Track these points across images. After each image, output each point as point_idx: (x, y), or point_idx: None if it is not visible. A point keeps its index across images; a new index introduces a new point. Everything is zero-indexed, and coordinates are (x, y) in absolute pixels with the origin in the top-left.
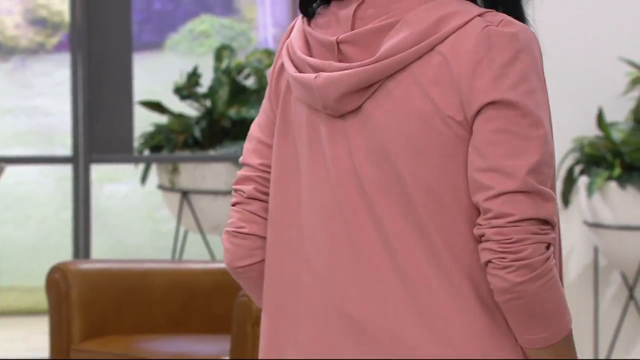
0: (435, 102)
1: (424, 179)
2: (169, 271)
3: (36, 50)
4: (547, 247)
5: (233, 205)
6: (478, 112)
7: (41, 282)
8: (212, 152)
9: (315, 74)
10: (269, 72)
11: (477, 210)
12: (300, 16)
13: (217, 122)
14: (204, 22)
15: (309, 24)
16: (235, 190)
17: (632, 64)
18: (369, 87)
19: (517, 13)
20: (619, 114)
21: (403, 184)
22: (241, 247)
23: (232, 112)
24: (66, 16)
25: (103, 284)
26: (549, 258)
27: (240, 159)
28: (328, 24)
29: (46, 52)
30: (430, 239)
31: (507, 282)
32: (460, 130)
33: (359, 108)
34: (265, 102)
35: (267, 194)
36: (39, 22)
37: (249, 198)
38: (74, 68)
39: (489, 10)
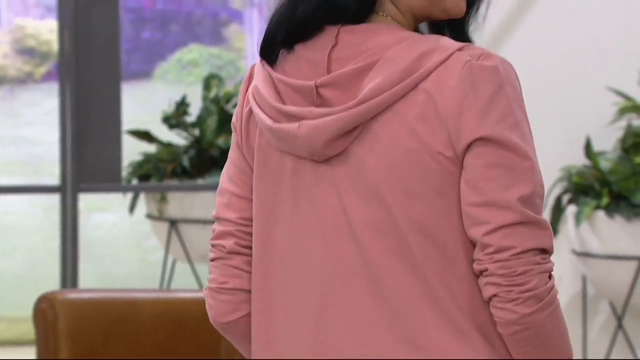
0: (423, 139)
1: (416, 216)
2: (157, 300)
3: (24, 79)
4: (549, 276)
5: (212, 260)
6: (467, 147)
7: (28, 312)
8: (200, 181)
9: (297, 123)
10: (232, 121)
11: (472, 245)
12: (259, 61)
13: (205, 151)
14: (192, 51)
15: (274, 70)
16: (214, 246)
17: (619, 93)
18: (354, 130)
19: (463, 37)
20: (606, 143)
21: (394, 223)
22: (226, 303)
23: (221, 141)
24: (54, 45)
25: (91, 313)
26: (552, 287)
27: (214, 214)
28: (298, 68)
29: (34, 81)
30: (424, 276)
31: (515, 314)
32: (451, 166)
33: (344, 150)
34: (233, 152)
35: (248, 247)
36: (28, 52)
37: (230, 253)
38: (62, 97)
39: (466, 44)
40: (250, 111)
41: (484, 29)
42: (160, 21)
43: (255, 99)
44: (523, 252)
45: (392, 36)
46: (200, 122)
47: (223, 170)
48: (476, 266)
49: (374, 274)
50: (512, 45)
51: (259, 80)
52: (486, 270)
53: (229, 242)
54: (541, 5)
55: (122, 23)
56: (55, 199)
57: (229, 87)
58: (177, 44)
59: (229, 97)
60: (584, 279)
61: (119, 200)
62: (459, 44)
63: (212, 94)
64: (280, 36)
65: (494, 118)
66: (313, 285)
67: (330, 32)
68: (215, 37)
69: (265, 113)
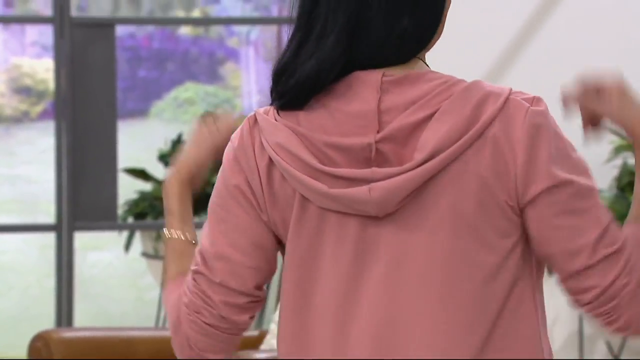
0: (491, 189)
1: (478, 259)
2: (153, 339)
3: (20, 118)
4: (624, 263)
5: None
6: (535, 197)
7: (23, 351)
8: (196, 219)
9: (366, 187)
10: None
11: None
12: (268, 113)
13: (201, 189)
14: (188, 90)
15: (299, 124)
16: (225, 318)
17: (614, 131)
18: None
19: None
20: (602, 181)
21: (456, 265)
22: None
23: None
24: (51, 84)
25: (86, 352)
26: (622, 240)
27: (218, 280)
28: (335, 123)
29: (30, 120)
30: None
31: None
32: (514, 216)
33: (412, 202)
34: (240, 218)
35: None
36: (24, 91)
37: (242, 329)
38: (58, 136)
39: (509, 87)
40: (270, 171)
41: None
42: (156, 60)
43: (285, 160)
44: (613, 282)
45: (434, 82)
46: None
47: (216, 232)
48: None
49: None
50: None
51: (281, 138)
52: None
53: (244, 318)
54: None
55: (119, 61)
56: (50, 238)
57: None
58: (173, 82)
59: None
60: (581, 318)
61: (114, 239)
62: (504, 88)
63: None
64: (309, 85)
65: (560, 165)
66: (375, 336)
67: (366, 80)
68: (212, 75)
69: (308, 176)
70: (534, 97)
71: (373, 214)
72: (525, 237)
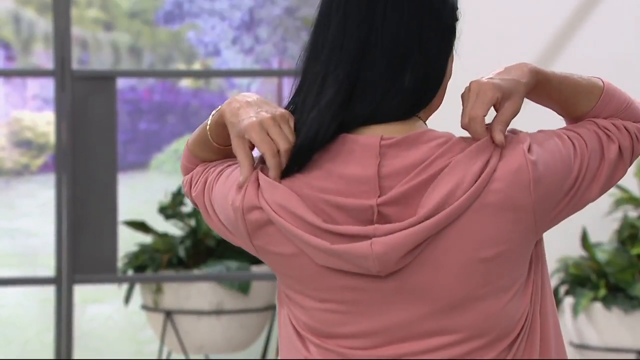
0: (505, 236)
1: (493, 312)
2: None
3: (21, 171)
4: None
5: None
6: (556, 215)
7: None
8: (196, 272)
9: (368, 242)
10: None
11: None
12: (260, 177)
13: (201, 242)
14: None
15: (298, 185)
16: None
17: (615, 185)
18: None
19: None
20: (603, 234)
21: (465, 315)
22: None
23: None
24: (51, 137)
25: None
26: None
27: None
28: (336, 186)
29: (31, 173)
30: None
31: None
32: (532, 247)
33: (415, 259)
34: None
35: None
36: (25, 144)
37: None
38: (59, 188)
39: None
40: (265, 225)
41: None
42: (157, 112)
43: (285, 219)
44: None
45: (433, 143)
46: (196, 212)
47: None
48: None
49: None
50: None
51: (280, 197)
52: None
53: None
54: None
55: (120, 114)
56: (50, 291)
57: None
58: (174, 135)
59: None
60: None
61: (114, 292)
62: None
63: None
64: (307, 148)
65: (569, 184)
66: None
67: (364, 144)
68: None
69: (310, 234)
70: (524, 137)
71: (375, 272)
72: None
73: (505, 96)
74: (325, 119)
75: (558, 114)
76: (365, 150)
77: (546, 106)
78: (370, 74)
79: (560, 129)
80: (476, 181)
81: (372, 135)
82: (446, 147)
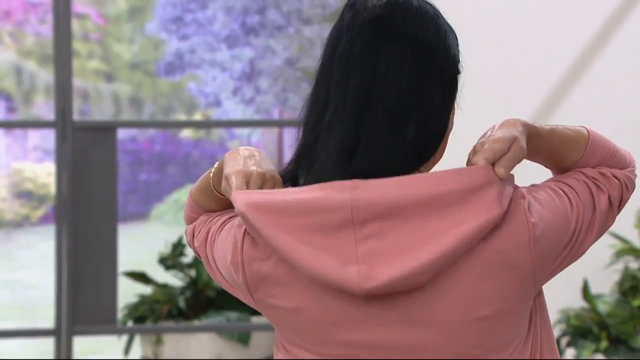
0: (500, 291)
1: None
2: None
3: (21, 222)
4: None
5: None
6: (555, 268)
7: None
8: (196, 323)
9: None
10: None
11: None
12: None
13: (201, 292)
14: (189, 193)
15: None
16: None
17: (616, 236)
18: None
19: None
20: (604, 286)
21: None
22: None
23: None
24: (52, 188)
25: None
26: None
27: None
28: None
29: (31, 224)
30: None
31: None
32: (532, 301)
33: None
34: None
35: None
36: (25, 195)
37: None
38: (59, 240)
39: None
40: (265, 278)
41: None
42: (157, 163)
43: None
44: None
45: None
46: (196, 263)
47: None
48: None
49: None
50: None
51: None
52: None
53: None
54: None
55: (120, 164)
56: (50, 343)
57: None
58: (174, 185)
59: None
60: None
61: (114, 343)
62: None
63: None
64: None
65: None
66: None
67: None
68: None
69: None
70: (523, 194)
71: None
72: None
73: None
74: (328, 174)
75: (546, 166)
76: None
77: (534, 160)
78: (372, 130)
79: (552, 181)
80: (474, 235)
81: None
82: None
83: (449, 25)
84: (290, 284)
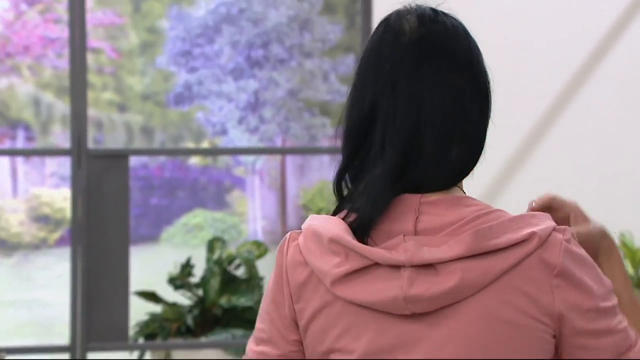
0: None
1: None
2: None
3: (38, 245)
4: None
5: None
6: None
7: None
8: (203, 339)
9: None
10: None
11: None
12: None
13: (208, 311)
14: (197, 216)
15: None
16: None
17: None
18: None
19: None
20: None
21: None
22: None
23: (223, 300)
24: (68, 212)
25: None
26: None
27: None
28: (379, 239)
29: (48, 246)
30: None
31: None
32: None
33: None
34: (275, 340)
35: None
36: (42, 219)
37: None
38: (74, 261)
39: (551, 225)
40: (305, 283)
41: None
42: (167, 188)
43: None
44: None
45: (474, 207)
46: (204, 282)
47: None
48: None
49: None
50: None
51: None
52: None
53: None
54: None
55: (132, 190)
56: (65, 358)
57: (231, 249)
58: (183, 209)
59: (231, 259)
60: None
61: (126, 359)
62: (547, 225)
63: (216, 255)
64: (367, 226)
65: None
66: None
67: (407, 202)
68: (219, 202)
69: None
70: (564, 230)
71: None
72: None
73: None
74: (384, 190)
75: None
76: (407, 208)
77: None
78: (421, 149)
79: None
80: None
81: (414, 195)
82: (482, 213)
83: (474, 39)
84: None
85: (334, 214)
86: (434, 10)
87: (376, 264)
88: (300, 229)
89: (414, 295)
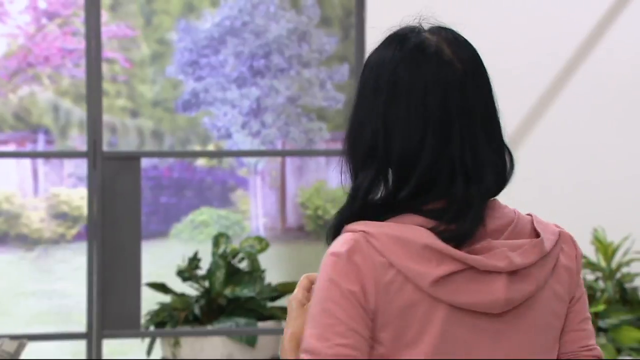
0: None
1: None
2: None
3: (57, 240)
4: None
5: None
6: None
7: None
8: (209, 327)
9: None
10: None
11: None
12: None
13: (214, 301)
14: (203, 214)
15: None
16: None
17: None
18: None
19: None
20: None
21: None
22: None
23: (228, 291)
24: (84, 210)
25: None
26: None
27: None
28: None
29: (66, 241)
30: None
31: None
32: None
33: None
34: (357, 344)
35: None
36: (61, 216)
37: None
38: (90, 255)
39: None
40: (392, 283)
41: None
42: (176, 187)
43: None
44: None
45: (506, 209)
46: (209, 275)
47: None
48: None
49: None
50: None
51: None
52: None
53: None
54: None
55: (143, 189)
56: (82, 345)
57: (235, 244)
58: (190, 207)
59: (235, 253)
60: None
61: (137, 345)
62: (554, 227)
63: (221, 250)
64: (475, 229)
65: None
66: None
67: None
68: (224, 200)
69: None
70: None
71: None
72: None
73: None
74: (480, 205)
75: None
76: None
77: None
78: (484, 159)
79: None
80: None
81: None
82: (517, 214)
83: None
84: None
85: (359, 214)
86: (451, 31)
87: (470, 268)
88: (342, 232)
89: (511, 298)
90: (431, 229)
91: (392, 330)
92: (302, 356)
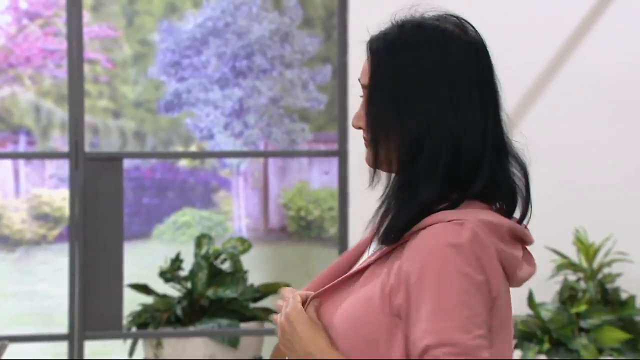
0: None
1: None
2: None
3: (39, 241)
4: None
5: None
6: None
7: None
8: (191, 328)
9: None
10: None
11: None
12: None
13: (196, 302)
14: (186, 214)
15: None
16: None
17: (556, 252)
18: None
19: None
20: (546, 295)
21: None
22: None
23: (210, 292)
24: (66, 211)
25: None
26: None
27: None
28: None
29: (48, 242)
30: None
31: None
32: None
33: None
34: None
35: None
36: (42, 217)
37: None
38: (72, 256)
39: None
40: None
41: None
42: (158, 188)
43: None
44: None
45: None
46: (192, 276)
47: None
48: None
49: None
50: None
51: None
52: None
53: None
54: None
55: (125, 190)
56: (63, 346)
57: (217, 245)
58: (172, 208)
59: (217, 254)
60: None
61: (120, 346)
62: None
63: (203, 251)
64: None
65: None
66: None
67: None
68: (206, 201)
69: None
70: None
71: None
72: None
73: None
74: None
75: None
76: None
77: None
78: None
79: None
80: None
81: None
82: None
83: None
84: None
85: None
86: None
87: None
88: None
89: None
90: (496, 211)
91: (497, 317)
92: (442, 350)
